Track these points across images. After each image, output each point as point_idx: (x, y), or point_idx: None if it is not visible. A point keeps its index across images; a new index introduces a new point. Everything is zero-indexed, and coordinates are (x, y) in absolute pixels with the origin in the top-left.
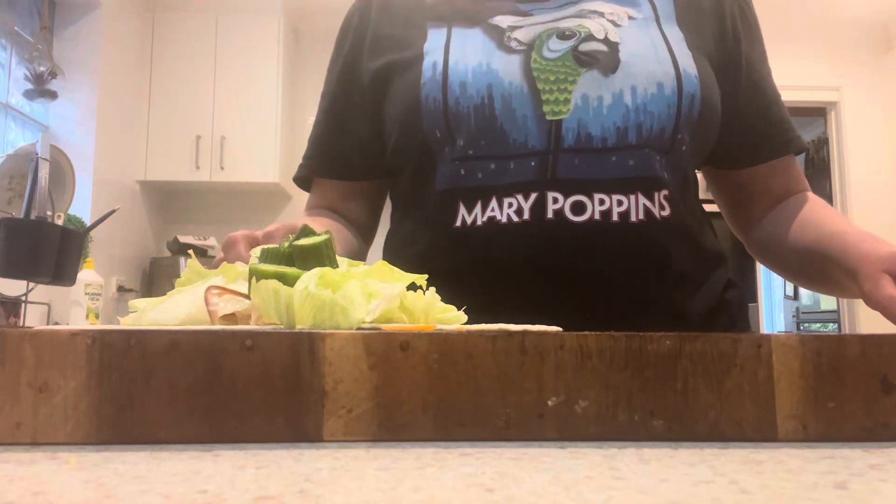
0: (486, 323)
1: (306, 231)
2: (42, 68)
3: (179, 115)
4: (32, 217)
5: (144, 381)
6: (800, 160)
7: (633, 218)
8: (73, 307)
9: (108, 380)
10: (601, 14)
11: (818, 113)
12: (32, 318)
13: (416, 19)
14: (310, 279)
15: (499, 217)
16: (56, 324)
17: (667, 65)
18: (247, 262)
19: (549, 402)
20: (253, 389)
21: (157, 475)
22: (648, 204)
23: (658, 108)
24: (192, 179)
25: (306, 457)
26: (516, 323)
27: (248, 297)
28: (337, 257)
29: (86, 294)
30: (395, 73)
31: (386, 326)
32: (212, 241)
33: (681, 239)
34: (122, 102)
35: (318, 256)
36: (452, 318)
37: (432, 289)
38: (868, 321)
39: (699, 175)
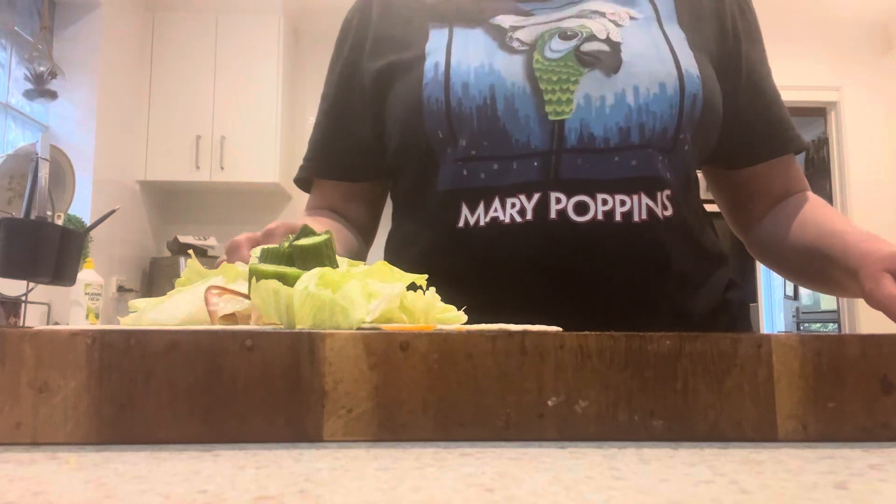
0: (487, 323)
1: (306, 231)
2: (42, 68)
3: (179, 115)
4: (32, 217)
5: (144, 381)
6: (800, 160)
7: (636, 218)
8: (73, 307)
9: (108, 380)
10: (602, 14)
11: (818, 113)
12: (32, 318)
13: (416, 20)
14: (310, 279)
15: (502, 217)
16: (56, 324)
17: (669, 65)
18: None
19: (549, 402)
20: (253, 389)
21: (157, 475)
22: (651, 204)
23: (660, 108)
24: (192, 179)
25: (306, 457)
26: (518, 323)
27: (248, 297)
28: (337, 257)
29: (86, 294)
30: (397, 73)
31: (386, 326)
32: (212, 241)
33: (683, 239)
34: (122, 102)
35: (318, 256)
36: (452, 318)
37: (432, 289)
38: (868, 321)
39: (699, 175)
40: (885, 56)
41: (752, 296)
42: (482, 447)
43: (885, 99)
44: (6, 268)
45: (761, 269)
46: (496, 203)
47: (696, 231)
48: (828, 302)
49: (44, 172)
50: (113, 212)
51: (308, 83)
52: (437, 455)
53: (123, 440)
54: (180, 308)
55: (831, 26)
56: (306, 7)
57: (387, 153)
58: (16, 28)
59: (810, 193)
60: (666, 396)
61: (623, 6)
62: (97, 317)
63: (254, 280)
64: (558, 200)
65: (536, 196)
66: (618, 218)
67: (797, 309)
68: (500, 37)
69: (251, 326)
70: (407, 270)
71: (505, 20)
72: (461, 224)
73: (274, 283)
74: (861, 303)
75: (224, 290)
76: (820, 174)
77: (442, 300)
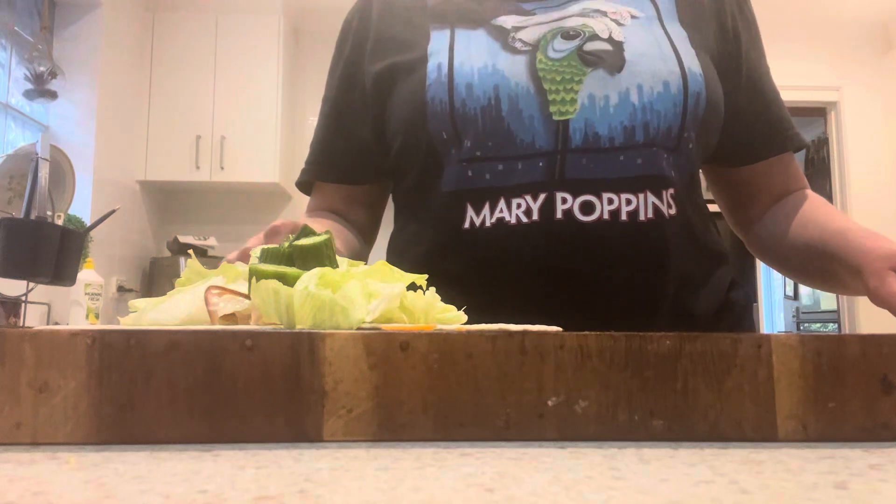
0: (487, 323)
1: (306, 231)
2: (42, 68)
3: (179, 115)
4: (32, 217)
5: (144, 381)
6: (800, 160)
7: (643, 217)
8: (73, 307)
9: (108, 380)
10: (604, 13)
11: (818, 113)
12: (32, 318)
13: (417, 21)
14: (310, 279)
15: (507, 218)
16: (56, 324)
17: (672, 63)
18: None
19: (549, 402)
20: (253, 389)
21: (157, 475)
22: (657, 202)
23: (664, 106)
24: (192, 179)
25: (306, 457)
26: (519, 323)
27: (248, 297)
28: (337, 257)
29: (86, 294)
30: (399, 75)
31: (386, 326)
32: (212, 241)
33: (686, 238)
34: (122, 102)
35: (318, 256)
36: (452, 318)
37: (432, 289)
38: (868, 321)
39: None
40: (885, 56)
41: (752, 295)
42: (482, 447)
43: (885, 99)
44: (6, 268)
45: (761, 269)
46: (501, 204)
47: (699, 230)
48: (828, 302)
49: (44, 172)
50: (113, 212)
51: (308, 83)
52: (437, 455)
53: (123, 440)
54: (180, 308)
55: (831, 26)
56: (306, 7)
57: (388, 154)
58: (16, 28)
59: (810, 191)
60: (666, 396)
61: (624, 5)
62: (97, 317)
63: (254, 280)
64: (564, 200)
65: (542, 196)
66: (623, 217)
67: (797, 309)
68: (503, 37)
69: (251, 326)
70: (411, 271)
71: (507, 21)
72: (467, 225)
73: (274, 283)
74: (861, 302)
75: (224, 290)
76: (820, 174)
77: (443, 300)
